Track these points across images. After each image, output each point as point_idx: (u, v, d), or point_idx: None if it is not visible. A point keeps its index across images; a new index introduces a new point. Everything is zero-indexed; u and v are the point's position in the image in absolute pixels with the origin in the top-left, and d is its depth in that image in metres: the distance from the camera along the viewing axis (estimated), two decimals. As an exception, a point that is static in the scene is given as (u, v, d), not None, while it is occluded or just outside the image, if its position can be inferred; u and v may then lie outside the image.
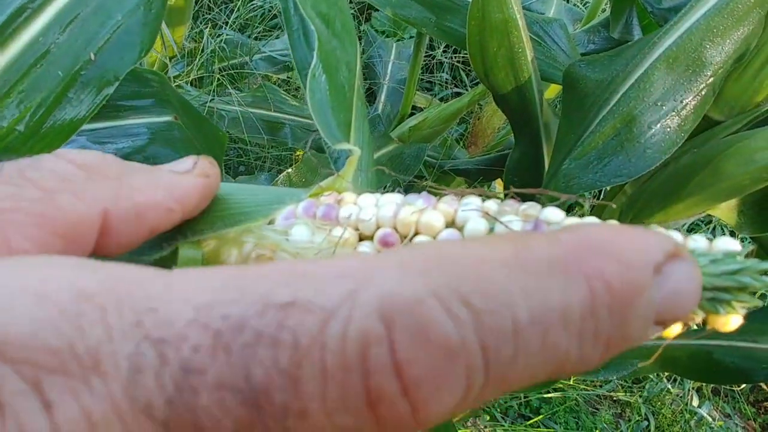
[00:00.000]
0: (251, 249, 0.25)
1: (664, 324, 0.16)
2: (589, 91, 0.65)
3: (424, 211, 0.24)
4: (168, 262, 0.25)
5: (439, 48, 1.92)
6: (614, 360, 0.92)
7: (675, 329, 0.21)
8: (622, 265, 0.15)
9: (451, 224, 0.24)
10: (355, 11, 2.03)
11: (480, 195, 0.25)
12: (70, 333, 0.13)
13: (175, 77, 1.39)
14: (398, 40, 1.78)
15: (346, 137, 0.35)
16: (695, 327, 0.21)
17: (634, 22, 1.07)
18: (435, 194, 0.26)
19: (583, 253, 0.15)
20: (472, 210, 0.24)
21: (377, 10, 1.94)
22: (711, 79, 0.58)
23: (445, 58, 1.97)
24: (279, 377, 0.13)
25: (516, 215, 0.23)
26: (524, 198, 0.24)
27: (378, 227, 0.25)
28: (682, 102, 0.59)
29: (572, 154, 0.63)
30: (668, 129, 0.59)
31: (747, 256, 0.20)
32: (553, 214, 0.23)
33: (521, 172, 0.77)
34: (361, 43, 1.76)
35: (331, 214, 0.25)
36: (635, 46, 0.65)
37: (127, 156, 0.56)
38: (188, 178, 0.23)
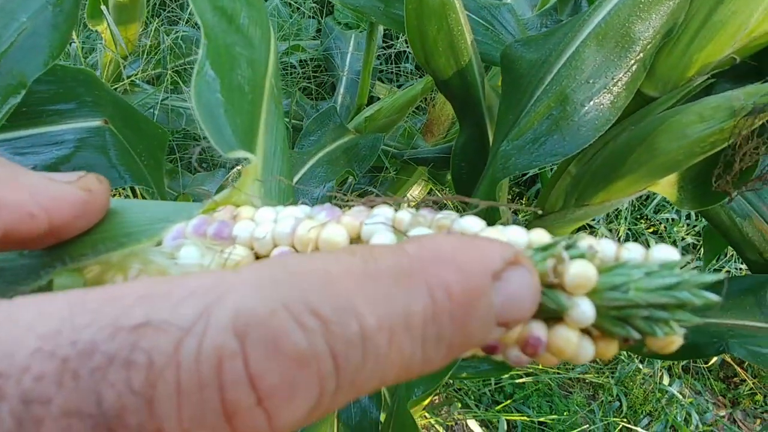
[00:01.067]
0: (137, 275, 0.23)
1: (507, 325, 0.18)
2: (524, 71, 0.65)
3: (326, 226, 0.22)
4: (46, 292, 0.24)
5: (401, 38, 1.91)
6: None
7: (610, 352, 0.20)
8: (462, 274, 0.16)
9: (356, 239, 0.23)
10: (317, 4, 2.02)
11: (393, 204, 0.24)
12: None
13: (131, 76, 1.36)
14: (361, 32, 1.77)
15: (248, 144, 0.32)
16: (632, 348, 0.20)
17: (584, 3, 1.07)
18: (342, 206, 0.24)
19: (426, 263, 0.16)
20: (378, 223, 0.22)
21: (339, 2, 1.93)
22: (641, 55, 0.58)
23: (408, 48, 1.96)
24: (132, 399, 0.13)
25: (428, 227, 0.22)
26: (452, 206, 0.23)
27: (275, 245, 0.23)
28: (613, 78, 0.59)
29: (509, 135, 0.63)
30: (601, 106, 0.59)
31: (689, 263, 0.19)
32: (470, 223, 0.22)
33: (467, 157, 0.77)
34: (319, 36, 1.74)
35: (223, 232, 0.23)
36: (568, 24, 0.65)
37: (52, 166, 0.53)
38: (63, 186, 0.21)
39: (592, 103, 0.59)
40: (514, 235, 0.21)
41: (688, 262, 0.19)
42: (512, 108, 0.65)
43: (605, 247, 0.20)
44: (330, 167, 0.98)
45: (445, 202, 0.24)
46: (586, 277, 0.19)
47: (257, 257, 0.23)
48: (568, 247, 0.20)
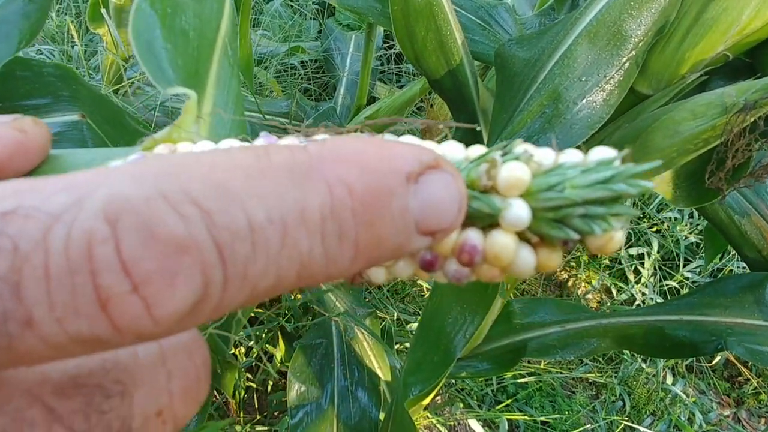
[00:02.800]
0: None
1: (433, 234, 0.17)
2: (518, 70, 0.65)
3: None
4: None
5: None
6: (570, 340, 0.93)
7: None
8: (366, 172, 0.16)
9: None
10: (318, 5, 2.03)
11: (333, 133, 0.22)
12: None
13: (132, 78, 1.37)
14: (362, 33, 1.77)
15: (197, 88, 0.31)
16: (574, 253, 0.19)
17: (581, 2, 1.07)
18: (281, 136, 0.24)
19: (326, 161, 0.16)
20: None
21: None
22: (632, 53, 0.58)
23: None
24: None
25: None
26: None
27: None
28: (605, 76, 0.59)
29: (503, 134, 0.63)
30: (594, 104, 0.59)
31: (624, 160, 0.18)
32: (407, 140, 0.21)
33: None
34: (320, 38, 1.75)
35: None
36: (561, 22, 0.65)
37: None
38: None
39: (584, 101, 0.59)
40: (451, 149, 0.21)
41: (625, 157, 0.18)
42: (506, 106, 0.65)
43: (543, 153, 0.19)
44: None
45: (385, 123, 0.23)
46: (518, 176, 0.18)
47: None
48: (503, 154, 0.19)
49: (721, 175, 0.59)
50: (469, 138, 0.75)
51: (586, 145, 0.65)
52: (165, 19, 0.32)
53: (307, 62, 1.75)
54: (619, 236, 0.18)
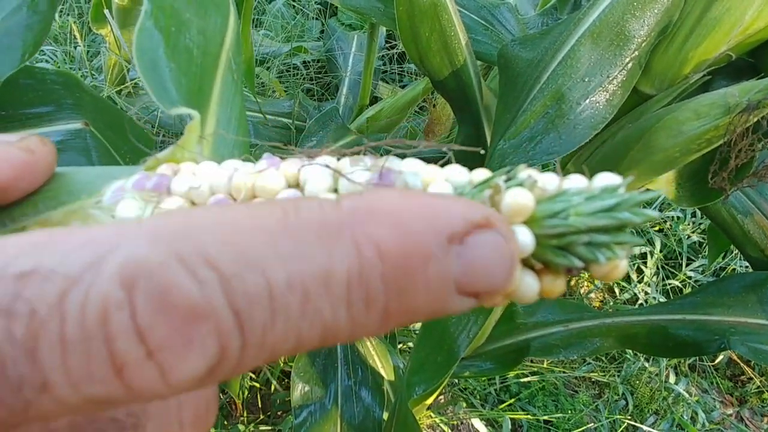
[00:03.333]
0: None
1: (477, 295, 0.16)
2: (521, 70, 0.65)
3: (263, 173, 0.22)
4: None
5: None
6: (573, 339, 0.93)
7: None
8: (401, 232, 0.14)
9: (294, 185, 0.22)
10: (320, 5, 2.03)
11: (336, 155, 0.23)
12: None
13: (134, 79, 1.37)
14: (364, 32, 1.77)
15: (196, 107, 0.31)
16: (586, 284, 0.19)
17: (584, 2, 1.07)
18: (284, 157, 0.23)
19: (359, 219, 0.14)
20: (315, 164, 0.22)
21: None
22: (636, 53, 0.58)
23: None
24: (12, 350, 0.12)
25: (369, 169, 0.21)
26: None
27: (212, 194, 0.22)
28: (608, 77, 0.59)
29: (506, 135, 0.63)
30: (597, 104, 0.59)
31: (630, 188, 0.18)
32: (409, 164, 0.21)
33: (464, 155, 0.77)
34: (323, 38, 1.75)
35: (162, 185, 0.23)
36: (564, 23, 0.65)
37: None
38: (2, 147, 0.21)
39: (587, 101, 0.59)
40: (454, 173, 0.20)
41: (630, 183, 0.18)
42: (509, 107, 0.65)
43: (547, 179, 0.19)
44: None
45: (387, 147, 0.23)
46: (522, 203, 0.18)
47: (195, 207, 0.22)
48: (507, 179, 0.19)
49: (724, 175, 0.59)
50: (472, 139, 0.75)
51: (590, 146, 0.65)
52: (169, 38, 0.31)
53: (309, 62, 1.75)
54: (623, 264, 0.18)
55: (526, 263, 0.19)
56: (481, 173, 0.20)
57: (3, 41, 0.43)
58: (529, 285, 0.19)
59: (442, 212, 0.15)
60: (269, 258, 0.14)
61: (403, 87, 1.89)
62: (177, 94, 0.29)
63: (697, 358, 1.66)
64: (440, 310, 0.16)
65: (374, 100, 1.46)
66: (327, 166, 0.21)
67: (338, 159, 0.22)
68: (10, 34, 0.43)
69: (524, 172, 0.19)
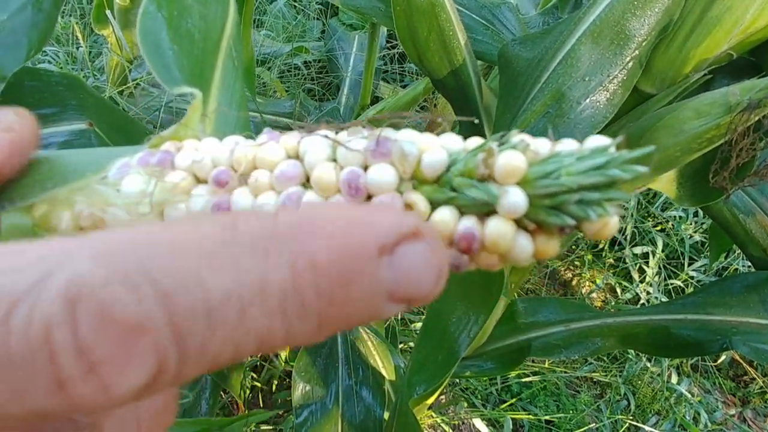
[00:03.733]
0: (82, 208, 0.24)
1: (409, 302, 0.17)
2: (521, 69, 0.65)
3: (263, 146, 0.23)
4: None
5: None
6: (575, 339, 0.93)
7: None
8: (333, 243, 0.15)
9: (294, 157, 0.23)
10: (321, 5, 2.03)
11: (335, 129, 0.23)
12: None
13: (136, 79, 1.38)
14: (365, 33, 1.77)
15: (202, 89, 0.32)
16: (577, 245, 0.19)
17: (585, 1, 1.07)
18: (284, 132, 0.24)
19: (293, 231, 0.15)
20: (314, 136, 0.22)
21: (344, 3, 1.93)
22: (636, 52, 0.58)
23: (414, 48, 1.97)
24: None
25: (367, 138, 0.22)
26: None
27: (213, 167, 0.23)
28: (609, 76, 0.59)
29: (507, 134, 0.63)
30: (597, 104, 0.59)
31: (618, 148, 0.19)
32: (408, 135, 0.22)
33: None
34: (323, 38, 1.75)
35: (166, 161, 0.23)
36: (564, 22, 0.65)
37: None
38: None
39: (588, 100, 0.59)
40: (449, 141, 0.21)
41: (620, 144, 0.19)
42: (509, 107, 0.65)
43: (540, 143, 0.20)
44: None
45: (384, 118, 0.23)
46: (514, 164, 0.18)
47: (197, 180, 0.23)
48: (500, 144, 0.19)
49: (725, 174, 0.59)
50: (472, 136, 0.75)
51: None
52: (171, 21, 0.32)
53: (310, 62, 1.75)
54: (614, 221, 0.19)
55: (519, 224, 0.19)
56: (476, 141, 0.21)
57: (8, 39, 0.44)
58: (523, 245, 0.19)
59: (374, 224, 0.16)
60: (207, 273, 0.14)
61: (404, 87, 1.89)
62: (180, 74, 0.30)
63: (700, 358, 1.66)
64: (374, 316, 0.17)
65: (375, 100, 1.46)
66: (326, 137, 0.22)
67: (336, 133, 0.23)
68: (15, 33, 0.44)
69: (517, 137, 0.20)
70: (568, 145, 0.19)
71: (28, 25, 0.44)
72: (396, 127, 0.23)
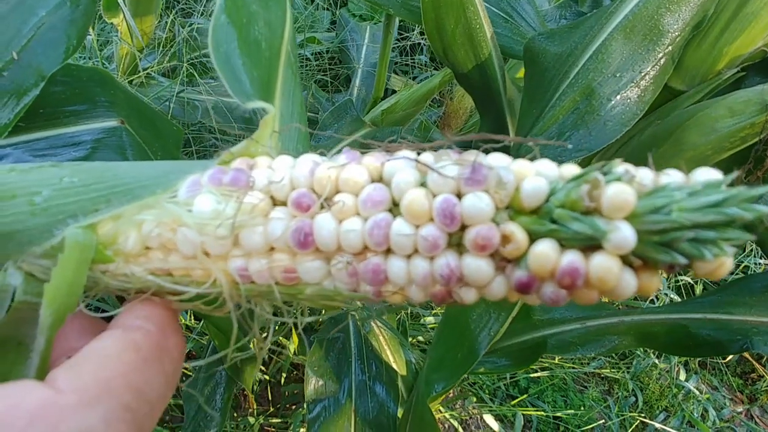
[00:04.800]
0: (151, 228, 0.23)
1: None
2: (549, 65, 0.64)
3: (345, 166, 0.22)
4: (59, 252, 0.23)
5: (415, 30, 1.90)
6: (591, 337, 0.92)
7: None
8: None
9: (378, 179, 0.22)
10: (331, -4, 2.01)
11: (416, 149, 0.23)
12: None
13: (146, 68, 1.36)
14: (375, 23, 1.75)
15: (266, 98, 0.31)
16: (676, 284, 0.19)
17: (606, -5, 1.05)
18: (362, 152, 0.24)
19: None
20: (401, 158, 0.22)
21: (353, -7, 1.91)
22: (669, 48, 0.57)
23: (423, 40, 1.95)
24: None
25: (453, 164, 0.21)
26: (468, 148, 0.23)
27: (293, 188, 0.22)
28: (640, 72, 0.58)
29: (534, 130, 0.62)
30: (628, 100, 0.58)
31: (732, 185, 0.18)
32: (497, 158, 0.21)
33: (488, 152, 0.76)
34: (334, 28, 1.73)
35: (239, 180, 0.22)
36: (594, 16, 0.64)
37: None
38: None
39: (619, 97, 0.58)
40: (544, 167, 0.21)
41: (734, 180, 0.18)
42: (536, 102, 0.64)
43: (643, 173, 0.19)
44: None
45: (469, 140, 0.23)
46: (624, 198, 0.18)
47: (274, 202, 0.23)
48: (604, 173, 0.19)
49: (759, 174, 0.57)
50: (495, 132, 0.74)
51: (616, 143, 0.64)
52: (241, 30, 0.31)
53: (320, 53, 1.74)
54: (729, 262, 0.18)
55: (625, 261, 0.18)
56: (570, 168, 0.20)
57: (47, 36, 0.42)
58: (627, 283, 0.19)
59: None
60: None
61: (413, 79, 1.87)
62: (251, 86, 0.29)
63: (714, 356, 1.65)
64: None
65: (386, 92, 1.45)
66: (416, 160, 0.21)
67: (418, 154, 0.22)
68: (54, 29, 0.42)
69: (621, 167, 0.19)
70: (673, 176, 0.18)
71: (67, 21, 0.43)
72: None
